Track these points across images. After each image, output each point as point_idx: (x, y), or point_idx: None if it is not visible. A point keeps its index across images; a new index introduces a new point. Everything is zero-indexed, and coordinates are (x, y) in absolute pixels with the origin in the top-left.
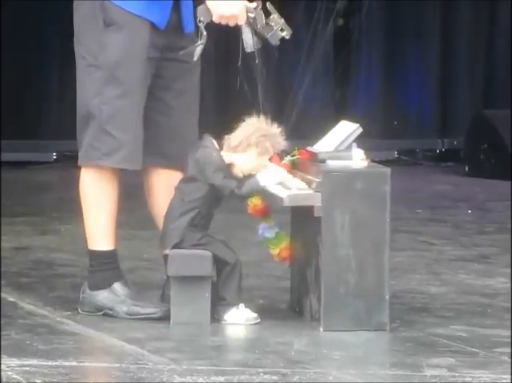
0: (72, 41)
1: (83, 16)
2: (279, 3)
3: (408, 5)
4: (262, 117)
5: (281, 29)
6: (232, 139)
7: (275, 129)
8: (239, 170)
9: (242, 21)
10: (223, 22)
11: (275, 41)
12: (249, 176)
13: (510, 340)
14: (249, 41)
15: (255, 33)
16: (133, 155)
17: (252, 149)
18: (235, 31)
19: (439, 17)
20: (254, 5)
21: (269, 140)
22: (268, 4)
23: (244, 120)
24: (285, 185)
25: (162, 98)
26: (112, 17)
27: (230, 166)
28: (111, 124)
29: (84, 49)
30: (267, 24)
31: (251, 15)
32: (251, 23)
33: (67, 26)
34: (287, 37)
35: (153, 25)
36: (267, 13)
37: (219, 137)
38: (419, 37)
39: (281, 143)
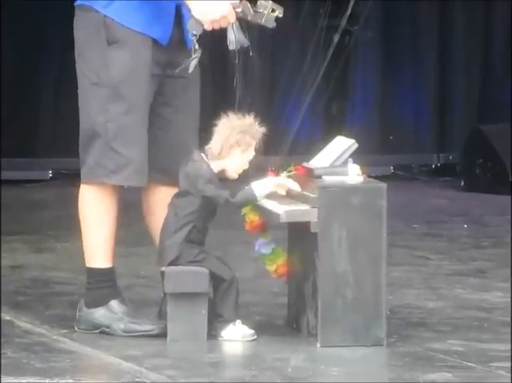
0: (69, 58)
1: (85, 33)
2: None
3: (405, 20)
4: (232, 115)
5: (273, 10)
6: (212, 147)
7: (248, 120)
8: (232, 172)
9: (232, 19)
10: (216, 27)
11: (271, 24)
12: (244, 179)
13: (507, 354)
14: (232, 38)
15: (246, 27)
16: (139, 172)
17: (235, 149)
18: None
19: (437, 31)
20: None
21: (248, 133)
22: None
23: (216, 125)
24: (280, 192)
25: (161, 114)
26: (114, 34)
27: (222, 173)
28: (117, 142)
29: (87, 67)
30: (257, 12)
31: (238, 10)
32: (241, 17)
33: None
34: (280, 16)
35: (155, 42)
36: (254, 1)
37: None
38: (415, 52)
39: (259, 130)
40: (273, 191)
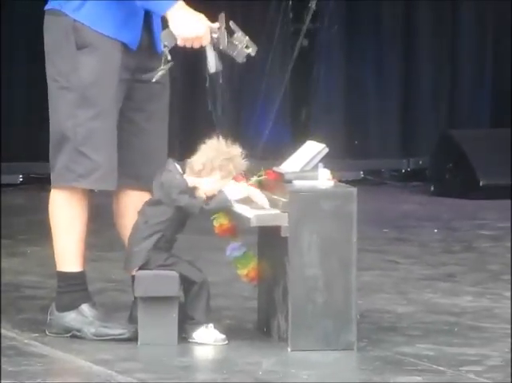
0: (40, 61)
1: (54, 37)
2: (242, 23)
3: (368, 23)
4: (222, 139)
5: (247, 47)
6: (194, 163)
7: (236, 150)
8: (203, 192)
9: (206, 42)
10: (188, 45)
11: (241, 59)
12: (212, 197)
13: (476, 358)
14: (211, 61)
15: (219, 53)
16: (109, 175)
17: (215, 173)
18: (201, 53)
19: (401, 30)
20: (217, 25)
21: (232, 163)
22: (231, 23)
23: (204, 143)
24: (252, 199)
25: (133, 120)
26: (84, 38)
27: (193, 189)
28: (86, 146)
29: (56, 71)
30: (231, 43)
31: (215, 35)
32: (215, 43)
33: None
34: (252, 54)
35: (125, 47)
36: (231, 32)
37: (182, 159)
38: (379, 53)
39: (243, 164)
40: (246, 196)
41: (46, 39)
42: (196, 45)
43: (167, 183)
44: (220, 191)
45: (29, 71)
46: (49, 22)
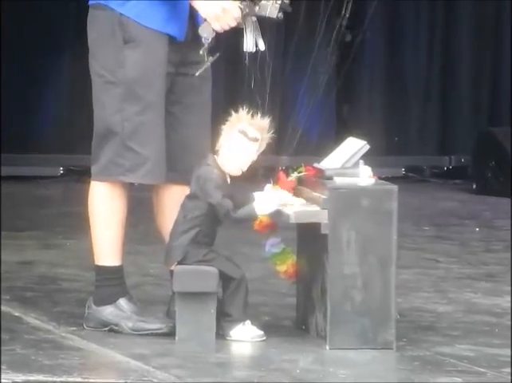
0: (83, 57)
1: (99, 32)
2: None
3: (409, 19)
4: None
5: (277, 1)
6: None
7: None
8: (231, 166)
9: (236, 13)
10: (222, 26)
11: (275, 15)
12: (253, 180)
13: None
14: (248, 40)
15: (256, 27)
16: (156, 169)
17: (225, 137)
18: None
19: (441, 32)
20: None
21: (231, 120)
22: None
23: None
24: (286, 206)
25: (173, 112)
26: (130, 33)
27: (228, 187)
28: (133, 140)
29: (101, 66)
30: (260, 5)
31: (241, 6)
32: (247, 13)
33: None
34: (286, 1)
35: (171, 40)
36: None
37: None
38: (420, 51)
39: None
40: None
41: (90, 34)
42: (230, 22)
43: (204, 176)
44: (250, 204)
45: (72, 64)
46: (93, 17)
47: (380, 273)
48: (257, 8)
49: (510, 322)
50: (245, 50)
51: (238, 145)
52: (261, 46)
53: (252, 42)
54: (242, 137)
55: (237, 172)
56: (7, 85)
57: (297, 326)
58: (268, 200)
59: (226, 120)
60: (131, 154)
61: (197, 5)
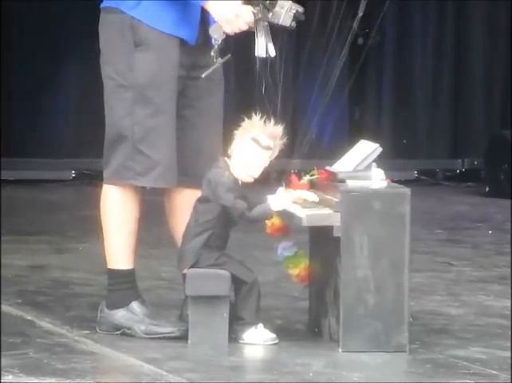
0: (95, 61)
1: (110, 35)
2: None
3: (420, 22)
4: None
5: (291, 10)
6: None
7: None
8: (243, 173)
9: (249, 18)
10: (234, 29)
11: (289, 24)
12: (265, 182)
13: None
14: (260, 45)
15: (268, 32)
16: (167, 173)
17: (237, 144)
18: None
19: (452, 33)
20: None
21: (244, 126)
22: None
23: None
24: (300, 204)
25: (184, 116)
26: (141, 36)
27: (240, 188)
28: (144, 144)
29: (113, 70)
30: (274, 12)
31: (255, 11)
32: (259, 18)
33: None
34: (300, 11)
35: (182, 43)
36: (273, 4)
37: None
38: (430, 52)
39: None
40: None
41: (102, 37)
42: (241, 26)
43: (215, 179)
44: (264, 202)
45: (83, 68)
46: (104, 20)
47: (392, 276)
48: (270, 14)
49: None
50: (256, 55)
51: (251, 152)
52: (272, 52)
53: (263, 47)
54: (255, 145)
55: (248, 179)
56: (19, 89)
57: (309, 330)
58: (282, 198)
59: (239, 126)
60: (142, 158)
61: (210, 6)
